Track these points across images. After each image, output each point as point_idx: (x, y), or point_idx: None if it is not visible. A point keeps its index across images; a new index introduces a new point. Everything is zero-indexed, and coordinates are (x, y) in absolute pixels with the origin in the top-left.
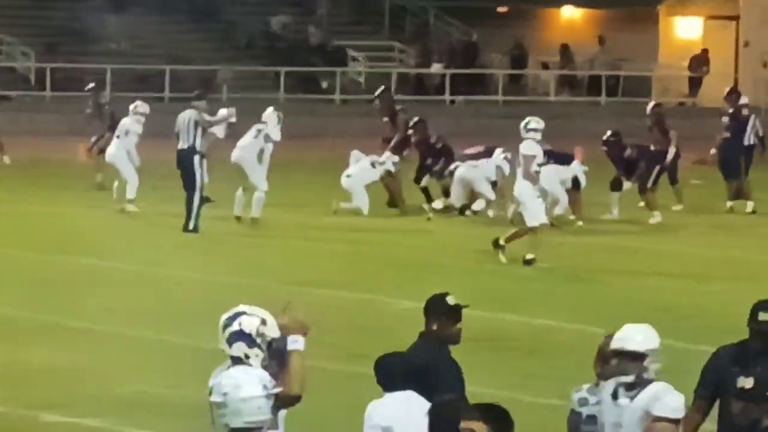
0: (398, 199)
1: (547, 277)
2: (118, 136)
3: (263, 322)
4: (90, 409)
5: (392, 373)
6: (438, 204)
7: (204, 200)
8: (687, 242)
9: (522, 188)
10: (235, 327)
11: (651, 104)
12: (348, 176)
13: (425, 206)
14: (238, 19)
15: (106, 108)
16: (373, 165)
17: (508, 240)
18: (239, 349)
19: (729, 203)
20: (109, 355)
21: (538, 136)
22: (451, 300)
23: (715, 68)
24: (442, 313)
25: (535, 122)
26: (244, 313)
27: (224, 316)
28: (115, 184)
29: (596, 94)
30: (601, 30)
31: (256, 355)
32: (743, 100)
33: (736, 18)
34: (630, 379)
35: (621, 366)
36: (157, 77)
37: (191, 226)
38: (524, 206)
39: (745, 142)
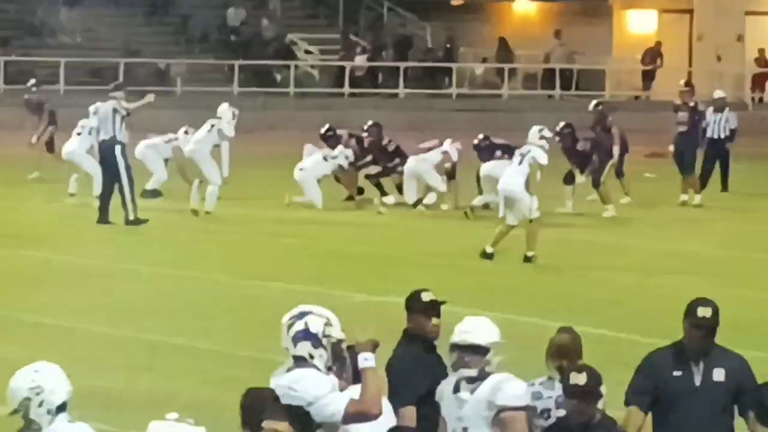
0: (352, 193)
1: (500, 271)
2: (79, 134)
3: (329, 322)
4: None
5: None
6: (390, 199)
7: (154, 194)
8: (640, 235)
9: (516, 184)
10: (300, 326)
11: (593, 102)
12: (301, 169)
13: (376, 200)
14: (192, 13)
15: (46, 105)
16: (325, 159)
17: (530, 247)
18: (304, 348)
19: (683, 196)
20: (60, 349)
21: (548, 145)
22: (426, 296)
23: (669, 62)
24: (417, 309)
25: (548, 131)
26: (310, 312)
27: (288, 315)
28: (74, 176)
29: (551, 87)
30: (556, 23)
31: (320, 356)
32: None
33: (690, 11)
34: (473, 372)
35: (463, 359)
36: (110, 71)
37: (131, 217)
38: (522, 201)
39: (714, 135)
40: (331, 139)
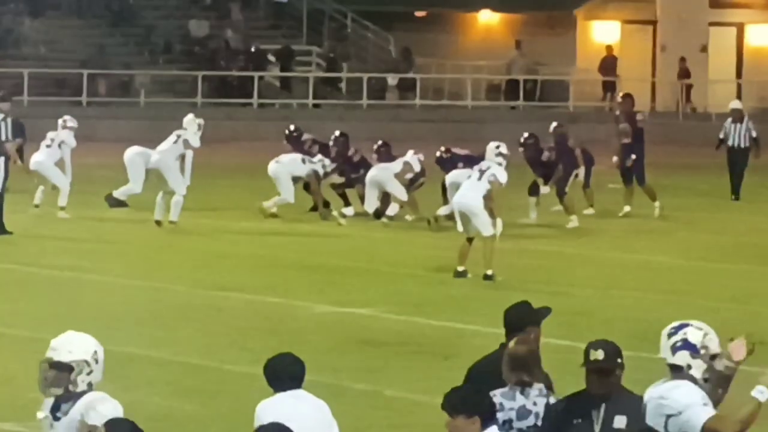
0: (318, 202)
1: (463, 281)
2: (48, 146)
3: (707, 335)
4: (2, 414)
5: (280, 374)
6: (349, 210)
7: (119, 203)
8: (604, 246)
9: (473, 199)
10: (680, 336)
11: (553, 125)
12: (276, 162)
13: (335, 212)
14: (155, 24)
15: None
16: (303, 161)
17: (487, 266)
18: (683, 358)
19: (626, 208)
20: (20, 359)
21: (505, 162)
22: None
23: (632, 72)
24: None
25: (505, 148)
26: (690, 324)
27: (669, 326)
28: (40, 188)
29: (514, 98)
30: (519, 34)
31: (698, 366)
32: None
33: (654, 22)
34: (59, 391)
35: (51, 377)
36: (74, 81)
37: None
38: (477, 217)
39: (735, 145)
40: (295, 141)
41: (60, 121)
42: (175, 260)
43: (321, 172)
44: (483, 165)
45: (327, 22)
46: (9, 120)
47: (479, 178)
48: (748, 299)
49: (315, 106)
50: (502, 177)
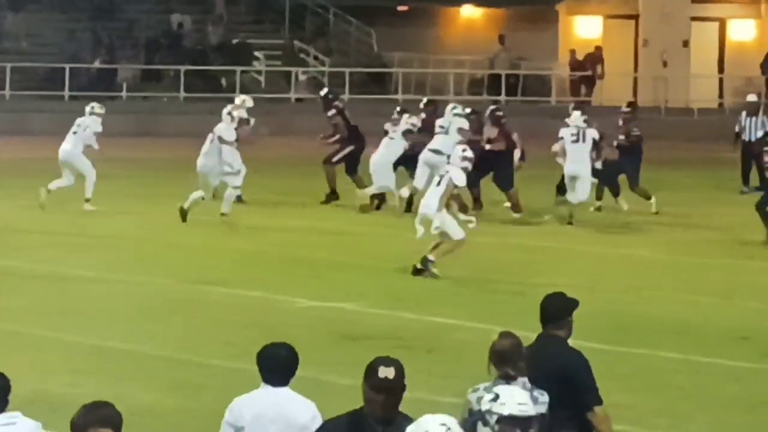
0: (334, 187)
1: (447, 276)
2: (75, 132)
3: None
4: None
5: (272, 364)
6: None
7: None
8: (587, 241)
9: (428, 207)
10: None
11: (490, 108)
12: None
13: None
14: (137, 18)
15: None
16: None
17: (432, 252)
18: None
19: (597, 202)
20: (6, 353)
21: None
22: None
23: (614, 67)
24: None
25: (471, 152)
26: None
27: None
28: (53, 184)
29: (496, 93)
30: (501, 29)
31: None
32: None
33: (636, 17)
34: None
35: None
36: (56, 75)
37: None
38: (446, 223)
39: (750, 138)
40: (327, 102)
41: (87, 108)
42: (158, 254)
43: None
44: (444, 170)
45: (309, 16)
46: None
47: (438, 183)
48: (730, 293)
49: (297, 100)
50: (460, 181)
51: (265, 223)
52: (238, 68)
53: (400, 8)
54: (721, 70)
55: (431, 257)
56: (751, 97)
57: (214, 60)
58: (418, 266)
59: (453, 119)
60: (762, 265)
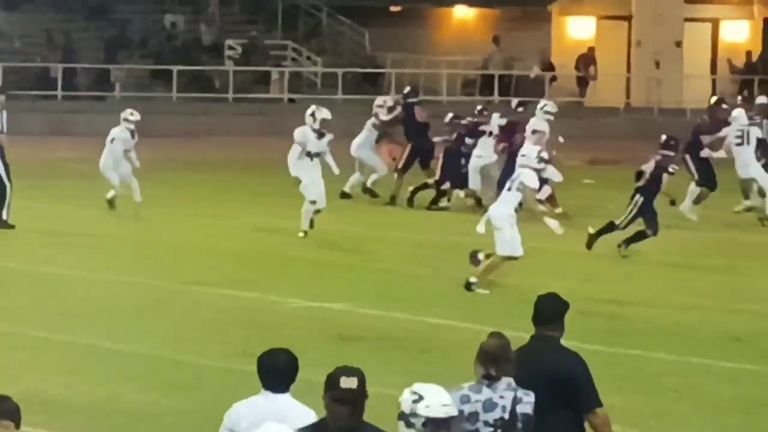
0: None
1: (439, 276)
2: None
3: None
4: None
5: (271, 371)
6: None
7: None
8: (582, 241)
9: (498, 216)
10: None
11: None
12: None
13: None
14: (131, 18)
15: None
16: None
17: (474, 272)
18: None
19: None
20: (1, 353)
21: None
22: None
23: (607, 68)
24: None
25: (546, 153)
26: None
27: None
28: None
29: (489, 93)
30: (495, 29)
31: None
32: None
33: (629, 18)
34: None
35: None
36: (49, 75)
37: (5, 217)
38: (500, 232)
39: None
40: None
41: (122, 115)
42: (152, 255)
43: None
44: (515, 173)
45: (302, 17)
46: (5, 112)
47: (509, 188)
48: (724, 295)
49: (290, 100)
50: (533, 182)
51: (258, 223)
52: (231, 68)
53: (393, 9)
54: (713, 71)
55: (474, 279)
56: (762, 99)
57: (206, 60)
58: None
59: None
60: (756, 266)
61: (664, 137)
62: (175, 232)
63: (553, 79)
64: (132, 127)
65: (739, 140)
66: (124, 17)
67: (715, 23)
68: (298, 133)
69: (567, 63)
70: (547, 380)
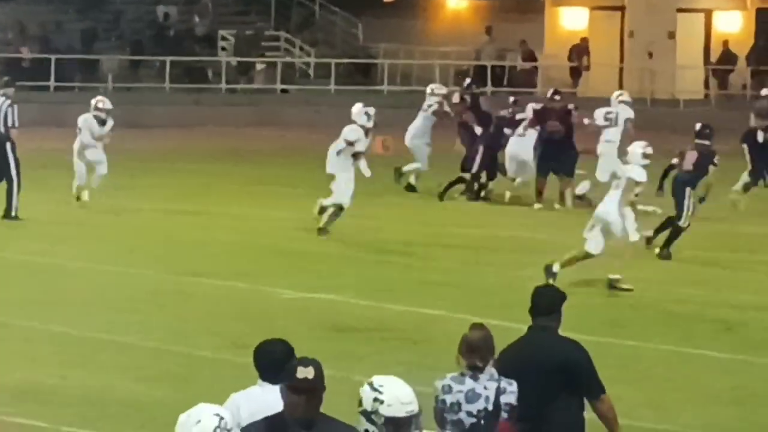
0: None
1: (433, 267)
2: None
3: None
4: None
5: (268, 362)
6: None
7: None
8: (573, 233)
9: (608, 212)
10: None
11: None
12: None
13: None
14: (124, 9)
15: None
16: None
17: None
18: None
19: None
20: None
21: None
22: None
23: (600, 59)
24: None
25: (650, 148)
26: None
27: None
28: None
29: (482, 84)
30: (487, 20)
31: None
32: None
33: (622, 8)
34: None
35: None
36: (42, 66)
37: (13, 213)
38: (614, 224)
39: None
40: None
41: (92, 101)
42: (146, 245)
43: None
44: (621, 170)
45: (295, 7)
46: (15, 106)
47: (617, 185)
48: (717, 286)
49: (283, 91)
50: (641, 176)
51: (251, 214)
52: (224, 59)
53: None
54: (706, 61)
55: (616, 275)
56: (765, 91)
57: (199, 51)
58: (613, 284)
59: (620, 108)
60: (749, 257)
61: (698, 126)
62: (167, 223)
63: (535, 69)
64: (102, 115)
65: None
66: (118, 8)
67: (708, 14)
68: (352, 131)
69: (560, 53)
70: (547, 370)
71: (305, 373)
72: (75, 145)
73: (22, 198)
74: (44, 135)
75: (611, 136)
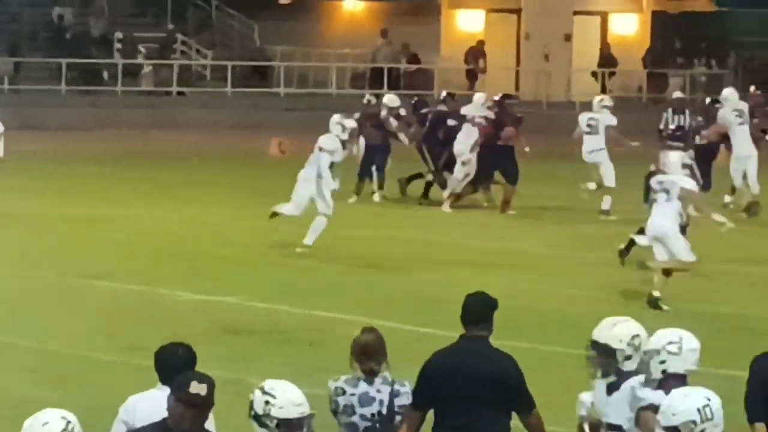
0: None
1: (328, 269)
2: None
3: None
4: None
5: (169, 365)
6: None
7: None
8: (470, 234)
9: (662, 226)
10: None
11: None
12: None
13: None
14: (20, 11)
15: None
16: None
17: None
18: None
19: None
20: None
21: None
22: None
23: (496, 61)
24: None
25: (689, 158)
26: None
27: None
28: None
29: (378, 86)
30: (384, 22)
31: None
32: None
33: (518, 11)
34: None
35: None
36: None
37: None
38: (679, 245)
39: None
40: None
41: None
42: (41, 247)
43: None
44: (667, 182)
45: (191, 9)
46: None
47: (668, 199)
48: (610, 287)
49: (179, 93)
50: (692, 185)
51: (148, 216)
52: (120, 61)
53: (283, 1)
54: (602, 64)
55: (657, 293)
56: (677, 94)
57: (96, 53)
58: (655, 300)
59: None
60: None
61: (671, 128)
62: (63, 225)
63: (419, 71)
64: None
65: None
66: (13, 10)
67: (603, 16)
68: (329, 140)
69: (457, 56)
70: (478, 381)
71: (199, 389)
72: None
73: None
74: None
75: (598, 143)
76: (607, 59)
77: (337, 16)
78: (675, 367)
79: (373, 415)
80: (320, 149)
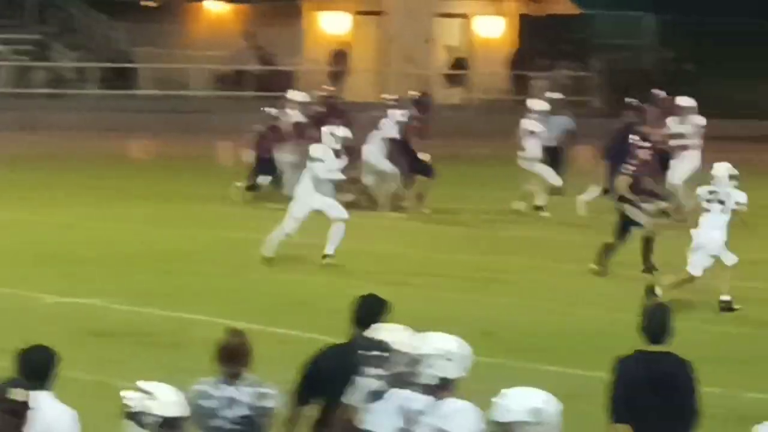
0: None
1: (193, 271)
2: None
3: None
4: None
5: (35, 369)
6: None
7: None
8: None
9: (719, 237)
10: None
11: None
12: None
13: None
14: None
15: None
16: None
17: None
18: None
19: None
20: None
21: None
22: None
23: (361, 63)
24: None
25: (733, 169)
26: None
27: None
28: None
29: (241, 88)
30: (247, 24)
31: None
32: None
33: (381, 13)
34: None
35: None
36: None
37: None
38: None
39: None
40: None
41: None
42: None
43: None
44: (720, 193)
45: (53, 10)
46: None
47: (722, 210)
48: (475, 289)
49: (40, 95)
50: (742, 197)
51: (10, 218)
52: None
53: (147, 4)
54: (465, 66)
55: (727, 297)
56: (555, 95)
57: None
58: (727, 305)
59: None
60: (508, 259)
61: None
62: None
63: (273, 73)
64: None
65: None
66: None
67: (466, 19)
68: (320, 150)
69: (321, 58)
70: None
71: (15, 394)
72: None
73: None
74: None
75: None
76: (459, 62)
77: (200, 19)
78: (450, 373)
79: (236, 417)
80: (312, 159)
